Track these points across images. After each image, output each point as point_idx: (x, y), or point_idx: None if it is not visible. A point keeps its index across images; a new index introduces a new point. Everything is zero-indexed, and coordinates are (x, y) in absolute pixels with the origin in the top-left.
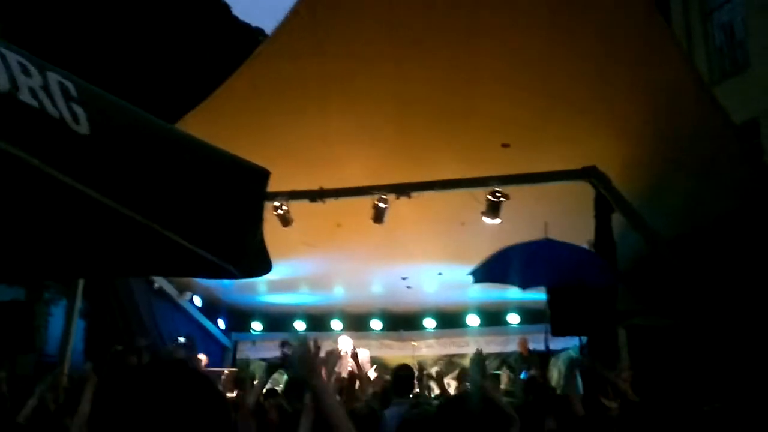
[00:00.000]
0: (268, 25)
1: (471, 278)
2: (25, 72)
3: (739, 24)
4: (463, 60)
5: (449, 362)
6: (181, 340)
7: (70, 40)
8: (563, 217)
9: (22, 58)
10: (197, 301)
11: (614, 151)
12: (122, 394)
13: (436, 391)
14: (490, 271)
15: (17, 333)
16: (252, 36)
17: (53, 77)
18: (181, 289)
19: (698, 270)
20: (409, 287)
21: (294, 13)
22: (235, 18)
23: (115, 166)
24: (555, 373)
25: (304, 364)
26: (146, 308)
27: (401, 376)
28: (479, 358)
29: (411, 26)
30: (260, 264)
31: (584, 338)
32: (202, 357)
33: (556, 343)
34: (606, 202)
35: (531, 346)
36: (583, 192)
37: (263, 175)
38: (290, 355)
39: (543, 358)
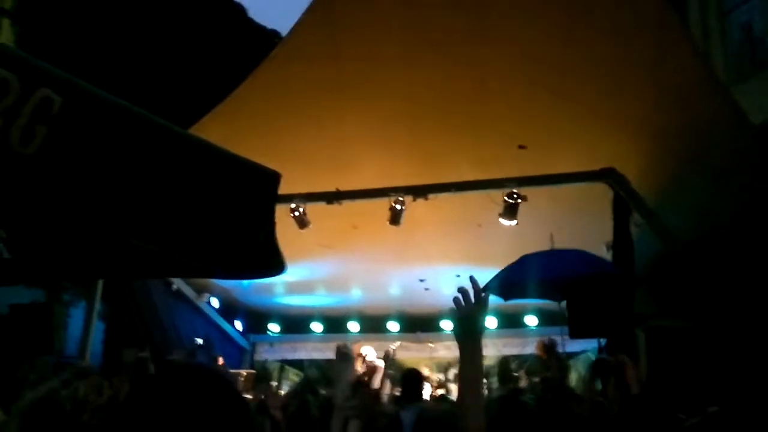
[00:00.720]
0: (284, 27)
1: (490, 288)
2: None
3: (758, 23)
4: (476, 61)
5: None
6: (199, 341)
7: (87, 45)
8: (579, 218)
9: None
10: (215, 302)
11: (631, 153)
12: (144, 399)
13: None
14: (506, 289)
15: (36, 335)
16: (268, 38)
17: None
18: (199, 291)
19: (716, 271)
20: (426, 289)
21: (308, 15)
22: (251, 20)
23: (120, 171)
24: (574, 375)
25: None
26: (165, 310)
27: (409, 382)
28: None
29: (425, 28)
30: (273, 265)
31: (602, 340)
32: (220, 359)
33: (574, 345)
34: (624, 203)
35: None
36: (599, 194)
37: (274, 177)
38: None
39: (560, 360)
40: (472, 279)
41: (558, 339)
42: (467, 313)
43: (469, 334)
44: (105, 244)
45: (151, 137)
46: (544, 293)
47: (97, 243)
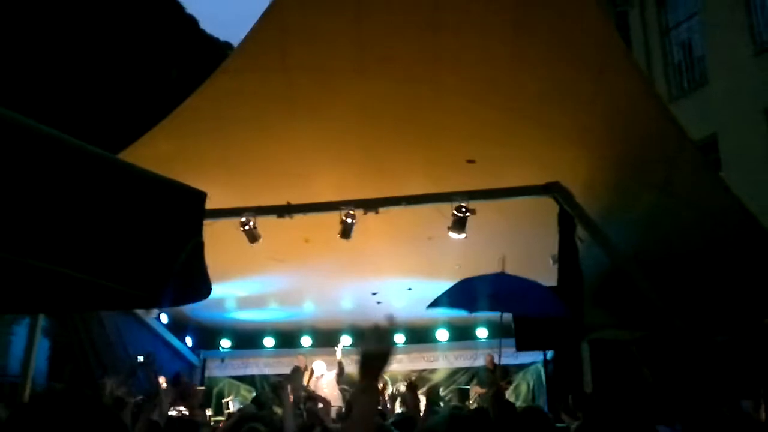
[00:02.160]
0: (237, 39)
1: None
2: None
3: (698, 41)
4: (428, 75)
5: (419, 377)
6: (140, 358)
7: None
8: (528, 231)
9: None
10: (164, 318)
11: (577, 167)
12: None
13: (398, 409)
14: (450, 302)
15: None
16: (220, 50)
17: None
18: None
19: (661, 284)
20: (379, 302)
21: (259, 26)
22: (203, 31)
23: (30, 195)
24: (524, 387)
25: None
26: (112, 325)
27: None
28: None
29: (376, 42)
30: (196, 288)
31: (549, 353)
32: (163, 379)
33: (524, 357)
34: (569, 217)
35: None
36: (547, 207)
37: (199, 197)
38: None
39: (505, 372)
40: (389, 317)
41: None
42: (378, 351)
43: (374, 370)
44: (35, 278)
45: (65, 160)
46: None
47: (25, 276)
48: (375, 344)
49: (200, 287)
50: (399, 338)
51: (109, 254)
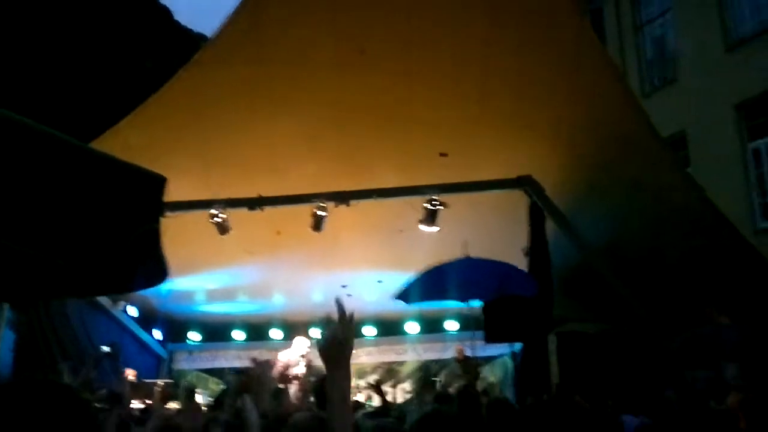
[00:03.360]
0: (211, 31)
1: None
2: None
3: (670, 37)
4: (401, 68)
5: (388, 370)
6: (106, 349)
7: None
8: (500, 224)
9: None
10: (133, 311)
11: (549, 161)
12: None
13: (375, 401)
14: (419, 292)
15: None
16: (193, 41)
17: None
18: (115, 299)
19: (629, 279)
20: (349, 295)
21: (234, 17)
22: (176, 23)
23: None
24: (492, 379)
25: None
26: (77, 319)
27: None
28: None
29: (351, 34)
30: (150, 274)
31: (517, 345)
32: (130, 371)
33: (492, 350)
34: (539, 210)
35: (468, 352)
36: (517, 200)
37: (159, 181)
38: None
39: (474, 364)
40: (337, 301)
41: (478, 344)
42: (332, 339)
43: (338, 357)
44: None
45: (23, 142)
46: (460, 295)
47: None
48: (331, 333)
49: (155, 274)
50: (369, 331)
51: (60, 233)
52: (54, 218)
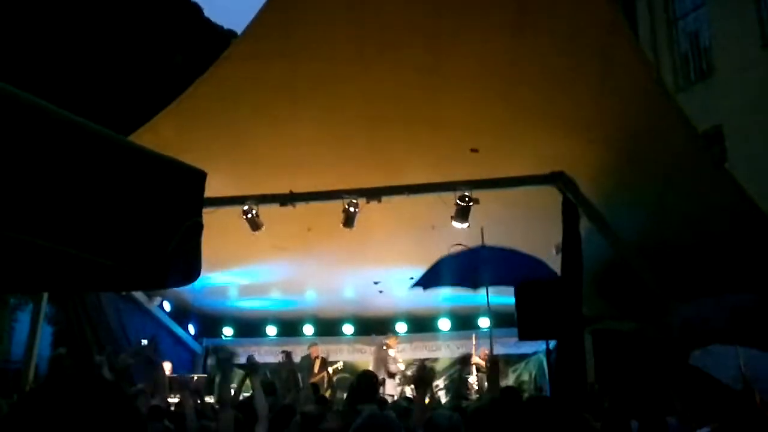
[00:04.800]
0: (241, 27)
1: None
2: None
3: (705, 32)
4: (432, 64)
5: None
6: (144, 342)
7: (41, 41)
8: (532, 221)
9: None
10: (167, 306)
11: (581, 157)
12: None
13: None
14: (435, 278)
15: None
16: (224, 38)
17: None
18: (150, 294)
19: (663, 277)
20: (381, 291)
21: (263, 14)
22: (207, 20)
23: (27, 171)
24: (526, 377)
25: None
26: (113, 313)
27: (364, 383)
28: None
29: (382, 29)
30: (186, 271)
31: (551, 342)
32: (167, 364)
33: (526, 347)
34: (573, 206)
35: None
36: (550, 196)
37: (200, 175)
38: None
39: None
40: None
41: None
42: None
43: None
44: (33, 256)
45: (64, 136)
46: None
47: (23, 253)
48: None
49: (191, 270)
50: (401, 327)
51: (103, 230)
52: (97, 214)
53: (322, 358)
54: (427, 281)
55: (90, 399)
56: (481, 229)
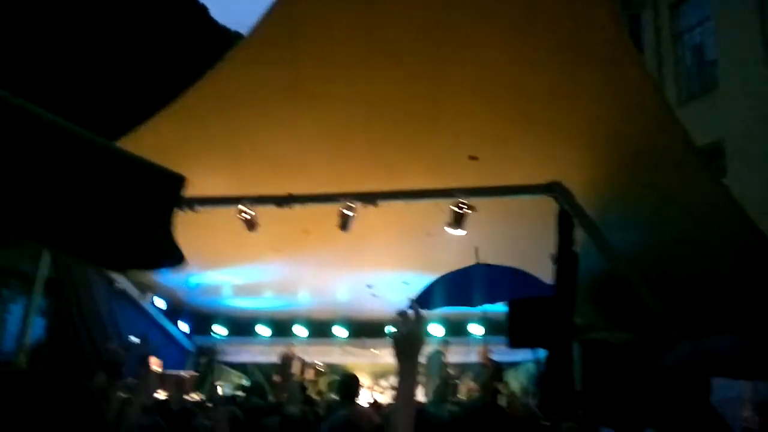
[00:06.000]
0: (247, 29)
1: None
2: None
3: (709, 46)
4: (433, 70)
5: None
6: (135, 339)
7: (43, 39)
8: (528, 230)
9: None
10: (160, 303)
11: (579, 168)
12: None
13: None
14: (431, 300)
15: None
16: (230, 40)
17: None
18: (144, 290)
19: (657, 290)
20: (374, 295)
21: (268, 17)
22: (213, 20)
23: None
24: (516, 385)
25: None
26: (106, 308)
27: (346, 384)
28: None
29: (383, 35)
30: (171, 257)
31: (541, 352)
32: (155, 360)
33: (516, 355)
34: (568, 217)
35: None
36: (547, 206)
37: (178, 180)
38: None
39: (499, 369)
40: (412, 301)
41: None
42: (407, 334)
43: (407, 353)
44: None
45: (47, 139)
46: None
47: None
48: (404, 329)
49: (170, 257)
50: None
51: (77, 223)
52: (73, 209)
53: (301, 359)
54: (423, 302)
55: (41, 391)
56: (476, 249)
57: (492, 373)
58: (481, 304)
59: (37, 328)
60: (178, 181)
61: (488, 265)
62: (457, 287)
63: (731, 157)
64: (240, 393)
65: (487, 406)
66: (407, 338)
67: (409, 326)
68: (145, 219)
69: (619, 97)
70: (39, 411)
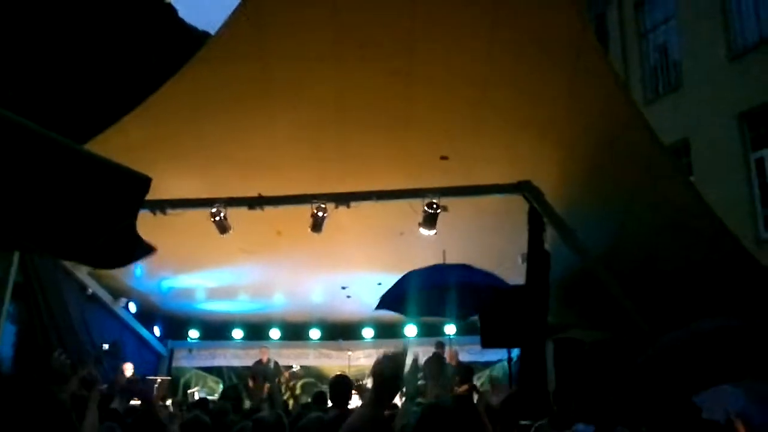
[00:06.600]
0: (215, 29)
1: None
2: None
3: (674, 45)
4: (403, 70)
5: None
6: (106, 347)
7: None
8: (500, 229)
9: None
10: (132, 307)
11: (549, 167)
12: None
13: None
14: (400, 303)
15: None
16: (197, 39)
17: None
18: (116, 295)
19: (628, 288)
20: (348, 297)
21: (236, 15)
22: (181, 20)
23: None
24: (488, 385)
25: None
26: (77, 314)
27: (338, 386)
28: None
29: (354, 32)
30: (135, 253)
31: (515, 351)
32: (128, 366)
33: (490, 355)
34: (538, 216)
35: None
36: (518, 205)
37: (144, 181)
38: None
39: (468, 371)
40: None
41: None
42: (388, 377)
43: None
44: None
45: (12, 141)
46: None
47: None
48: (391, 367)
49: (124, 256)
50: (368, 333)
51: (43, 223)
52: (40, 210)
53: (275, 361)
54: (390, 303)
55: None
56: (443, 252)
57: (461, 374)
58: (451, 315)
59: (7, 334)
60: (144, 182)
61: (452, 265)
62: (426, 295)
63: (696, 155)
64: (212, 397)
65: (460, 402)
66: (388, 381)
67: (392, 370)
68: (109, 218)
69: (586, 96)
70: (7, 418)
